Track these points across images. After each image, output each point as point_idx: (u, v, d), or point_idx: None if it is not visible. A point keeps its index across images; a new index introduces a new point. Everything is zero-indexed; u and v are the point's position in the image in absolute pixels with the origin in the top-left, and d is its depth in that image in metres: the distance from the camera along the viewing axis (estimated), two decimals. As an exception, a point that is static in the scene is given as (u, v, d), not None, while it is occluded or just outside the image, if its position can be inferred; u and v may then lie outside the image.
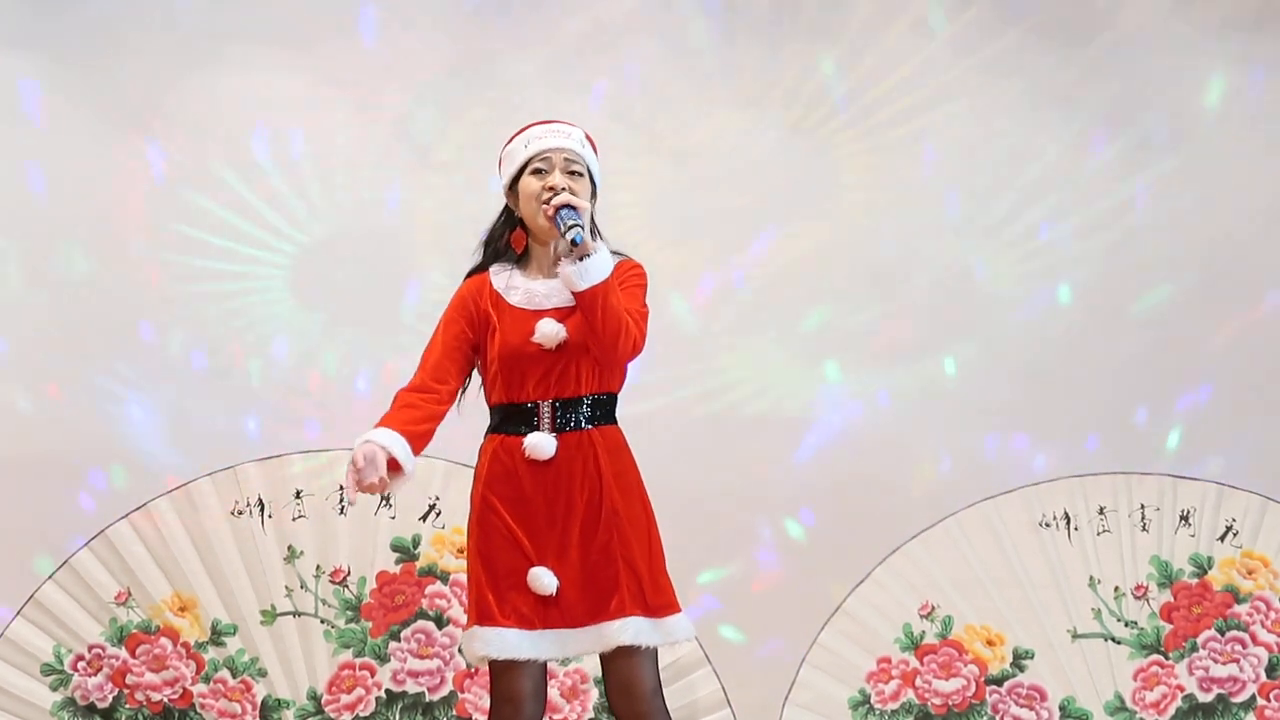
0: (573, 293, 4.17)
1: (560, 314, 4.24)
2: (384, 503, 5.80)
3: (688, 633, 4.24)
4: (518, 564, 4.19)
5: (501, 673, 4.20)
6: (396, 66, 5.93)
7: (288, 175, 5.88)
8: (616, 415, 4.32)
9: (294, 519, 5.77)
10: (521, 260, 4.35)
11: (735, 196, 5.94)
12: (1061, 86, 6.05)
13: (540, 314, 4.25)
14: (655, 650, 4.22)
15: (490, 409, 4.33)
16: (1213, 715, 5.92)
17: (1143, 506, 5.96)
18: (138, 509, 5.71)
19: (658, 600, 4.21)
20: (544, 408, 4.23)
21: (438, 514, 5.81)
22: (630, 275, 4.30)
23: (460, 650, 4.05)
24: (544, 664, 4.24)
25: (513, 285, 4.31)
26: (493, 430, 4.31)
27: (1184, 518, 5.96)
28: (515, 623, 4.17)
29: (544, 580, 4.18)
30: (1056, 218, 6.05)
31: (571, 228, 4.13)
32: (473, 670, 5.75)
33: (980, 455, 5.93)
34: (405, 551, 5.79)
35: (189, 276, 5.83)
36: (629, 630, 4.16)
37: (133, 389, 5.76)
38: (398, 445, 4.20)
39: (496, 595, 4.18)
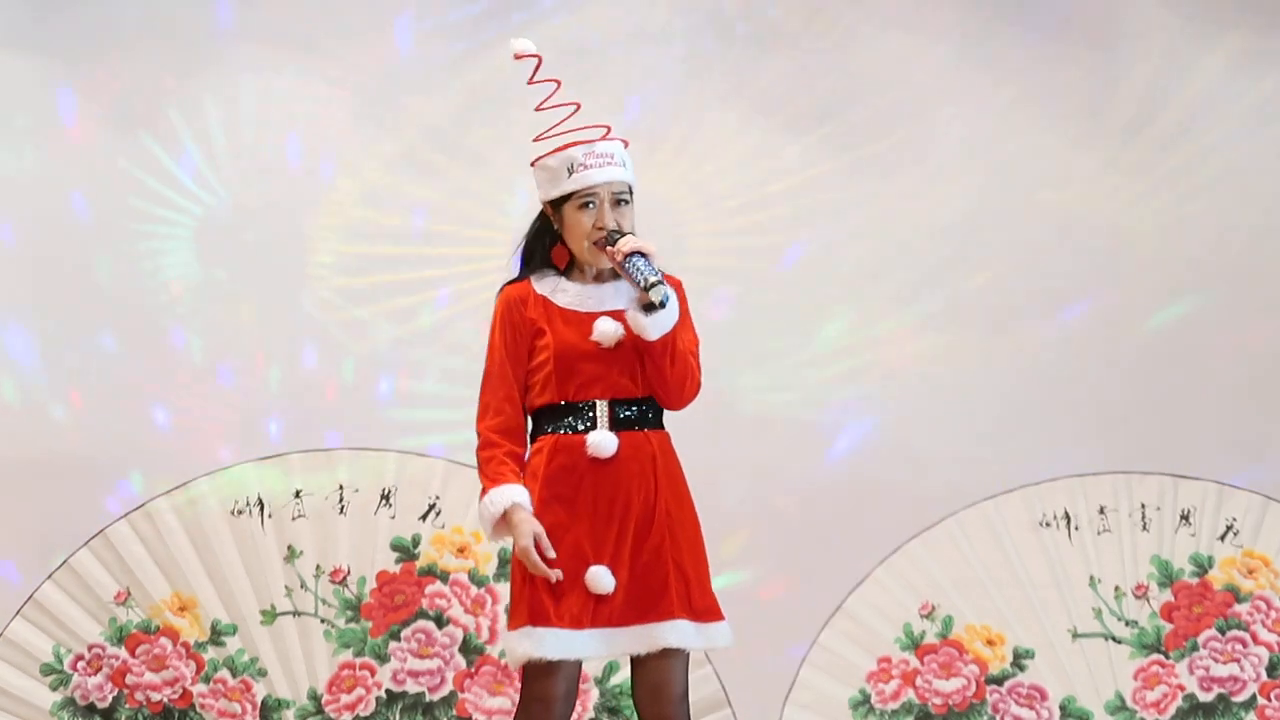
0: (642, 339, 4.14)
1: (615, 315, 4.18)
2: (383, 502, 5.80)
3: (728, 640, 4.21)
4: (572, 564, 4.13)
5: (540, 672, 4.14)
6: (400, 69, 5.93)
7: (294, 178, 5.88)
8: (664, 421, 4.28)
9: (294, 519, 5.77)
10: (566, 270, 4.27)
11: (735, 200, 5.94)
12: (1062, 97, 6.06)
13: (595, 315, 4.19)
14: (689, 655, 4.20)
15: (538, 409, 4.25)
16: (1213, 715, 5.92)
17: (1143, 506, 5.96)
18: (138, 509, 5.71)
19: (702, 604, 4.18)
20: (601, 407, 4.17)
21: (438, 514, 5.81)
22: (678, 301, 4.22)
23: (505, 650, 4.02)
24: (580, 664, 4.20)
25: (561, 289, 4.24)
26: (546, 430, 4.24)
27: (1184, 517, 5.96)
28: (569, 623, 4.11)
29: (603, 580, 4.12)
30: (1056, 228, 6.05)
31: (654, 286, 4.05)
32: (472, 670, 5.76)
33: (980, 457, 5.93)
34: (405, 551, 5.79)
35: (194, 277, 5.83)
36: (675, 633, 4.13)
37: (132, 388, 5.76)
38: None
39: (551, 596, 4.12)
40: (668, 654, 4.16)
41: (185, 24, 5.88)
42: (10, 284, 5.78)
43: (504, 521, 4.13)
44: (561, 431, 4.19)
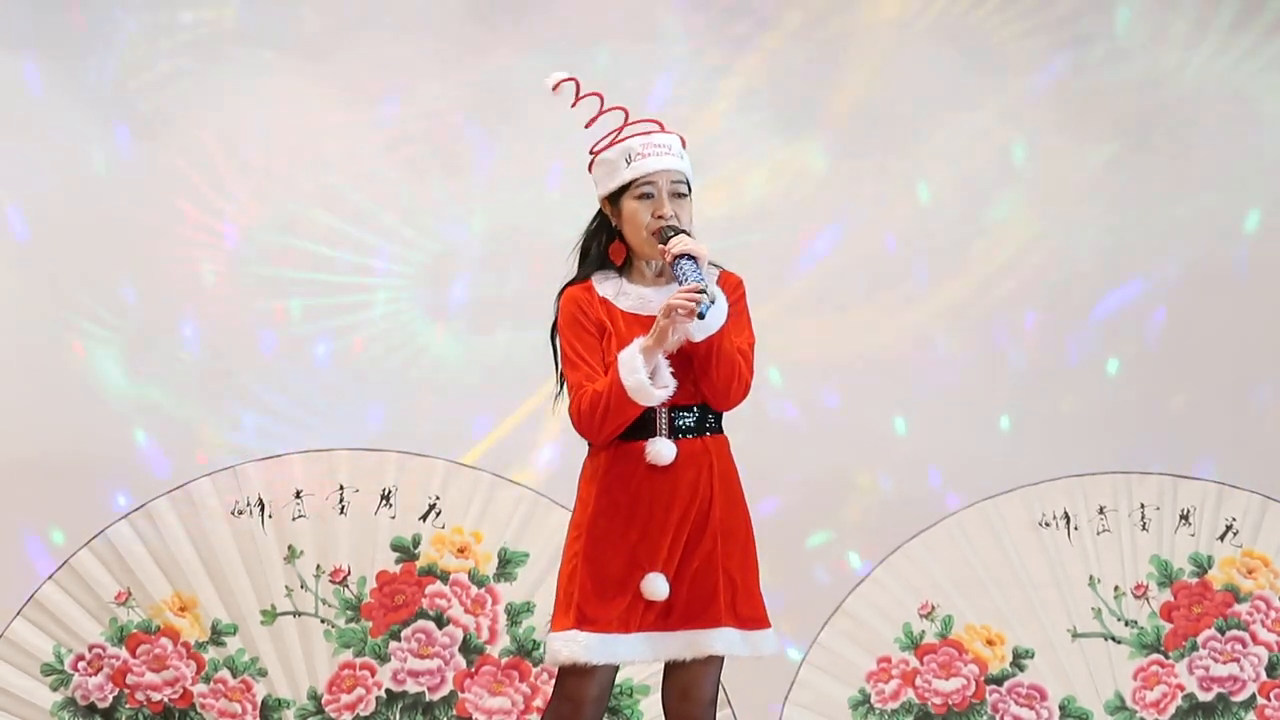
0: (688, 338, 4.10)
1: None
2: (383, 502, 5.80)
3: (774, 647, 4.20)
4: (625, 570, 4.12)
5: (576, 673, 4.13)
6: (393, 67, 5.92)
7: (284, 175, 5.88)
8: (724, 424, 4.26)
9: (294, 519, 5.77)
10: (623, 268, 4.25)
11: (732, 206, 5.94)
12: (1063, 98, 6.05)
13: (655, 319, 4.13)
14: (723, 660, 4.19)
15: None
16: (1213, 714, 5.92)
17: (1143, 506, 5.96)
18: (138, 509, 5.71)
19: (749, 613, 4.16)
20: (662, 414, 4.14)
21: (438, 514, 5.81)
22: (732, 301, 4.17)
23: (547, 651, 4.01)
24: (616, 669, 4.19)
25: (623, 292, 4.21)
26: None
27: (1184, 517, 5.96)
28: (616, 628, 4.11)
29: (658, 587, 4.11)
30: (1056, 227, 6.05)
31: (699, 293, 4.01)
32: (473, 670, 5.76)
33: (980, 457, 5.93)
34: (405, 551, 5.79)
35: (188, 276, 5.84)
36: (721, 641, 4.13)
37: (131, 388, 5.76)
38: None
39: (602, 600, 4.11)
40: (707, 660, 4.16)
41: (181, 25, 5.89)
42: (10, 283, 5.78)
43: (646, 354, 4.05)
44: (621, 438, 4.16)
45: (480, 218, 5.93)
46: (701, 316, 4.02)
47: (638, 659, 4.16)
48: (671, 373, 4.11)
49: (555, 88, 4.26)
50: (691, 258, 4.07)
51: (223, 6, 5.89)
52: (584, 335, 4.17)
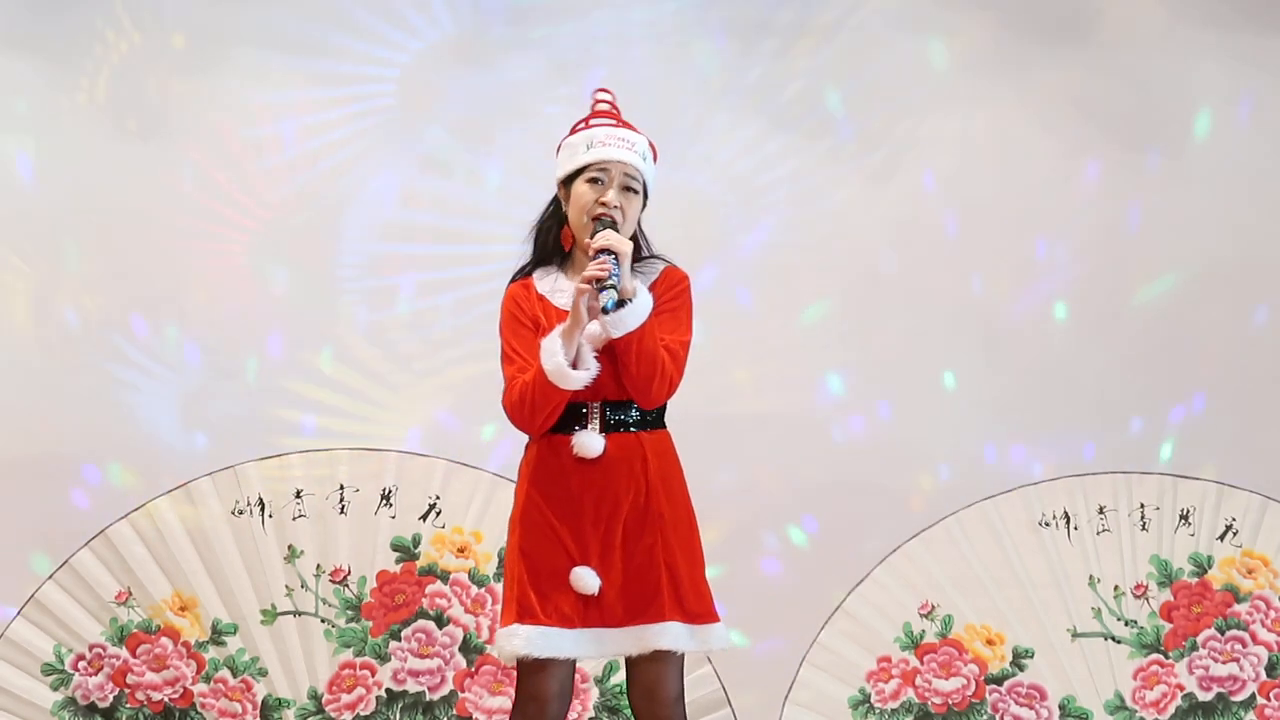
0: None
1: None
2: (383, 502, 5.80)
3: (724, 642, 4.22)
4: (560, 563, 4.15)
5: (532, 671, 4.17)
6: (395, 69, 5.93)
7: (286, 175, 5.88)
8: (665, 420, 4.27)
9: (294, 519, 5.77)
10: (565, 261, 4.30)
11: (734, 206, 5.94)
12: (1059, 98, 6.06)
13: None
14: (683, 656, 4.21)
15: None
16: (1213, 714, 5.93)
17: (1142, 506, 5.96)
18: (138, 509, 5.72)
19: (697, 607, 4.19)
20: (593, 408, 4.18)
21: (438, 514, 5.81)
22: (671, 296, 4.22)
23: (495, 648, 4.05)
24: (573, 664, 4.22)
25: (558, 288, 4.25)
26: None
27: (1184, 517, 5.96)
28: (557, 621, 4.13)
29: (587, 580, 4.14)
30: (1053, 229, 6.05)
31: (603, 289, 4.06)
32: (473, 670, 5.76)
33: (980, 457, 5.93)
34: (405, 551, 5.80)
35: (188, 274, 5.84)
36: (668, 635, 4.15)
37: (132, 388, 5.76)
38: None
39: (539, 594, 4.14)
40: (661, 656, 4.17)
41: (197, 24, 5.90)
42: (14, 284, 5.79)
43: (565, 338, 4.10)
44: (552, 432, 4.20)
45: (477, 216, 5.94)
46: (605, 311, 4.06)
47: (585, 655, 4.19)
48: (596, 357, 4.14)
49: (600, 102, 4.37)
50: (613, 254, 4.10)
51: (221, 6, 5.91)
52: (520, 330, 4.22)
